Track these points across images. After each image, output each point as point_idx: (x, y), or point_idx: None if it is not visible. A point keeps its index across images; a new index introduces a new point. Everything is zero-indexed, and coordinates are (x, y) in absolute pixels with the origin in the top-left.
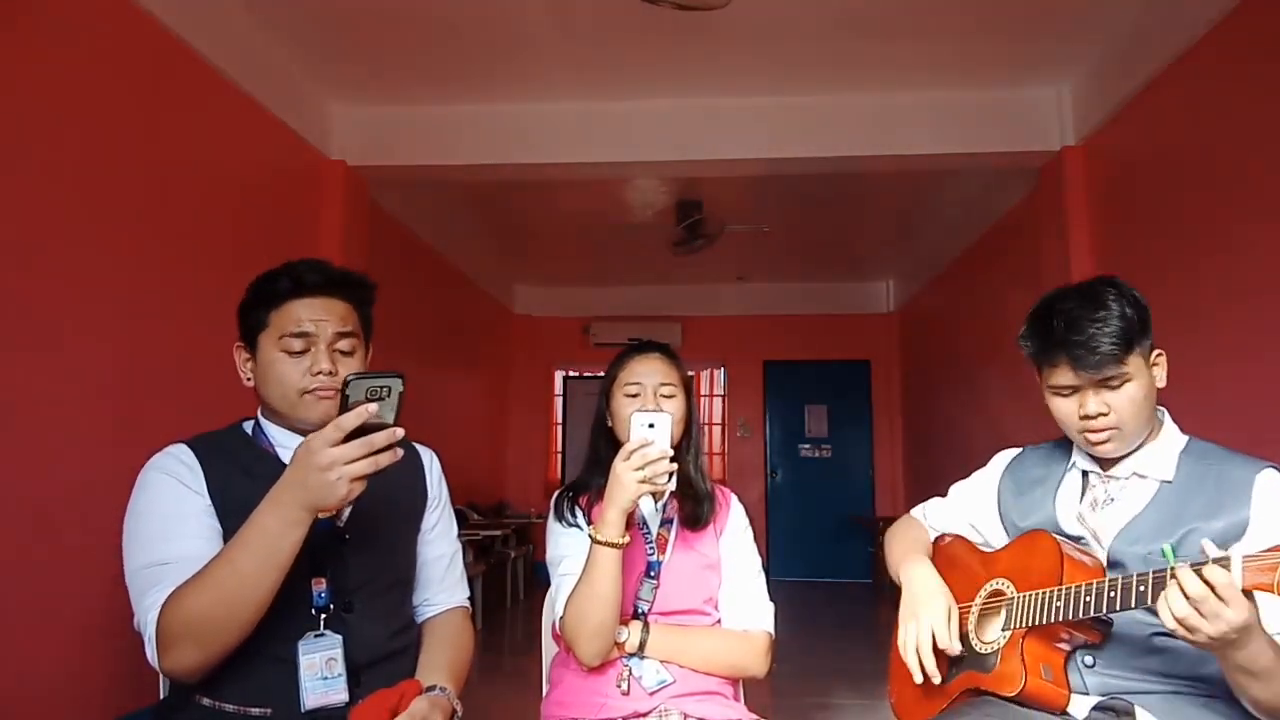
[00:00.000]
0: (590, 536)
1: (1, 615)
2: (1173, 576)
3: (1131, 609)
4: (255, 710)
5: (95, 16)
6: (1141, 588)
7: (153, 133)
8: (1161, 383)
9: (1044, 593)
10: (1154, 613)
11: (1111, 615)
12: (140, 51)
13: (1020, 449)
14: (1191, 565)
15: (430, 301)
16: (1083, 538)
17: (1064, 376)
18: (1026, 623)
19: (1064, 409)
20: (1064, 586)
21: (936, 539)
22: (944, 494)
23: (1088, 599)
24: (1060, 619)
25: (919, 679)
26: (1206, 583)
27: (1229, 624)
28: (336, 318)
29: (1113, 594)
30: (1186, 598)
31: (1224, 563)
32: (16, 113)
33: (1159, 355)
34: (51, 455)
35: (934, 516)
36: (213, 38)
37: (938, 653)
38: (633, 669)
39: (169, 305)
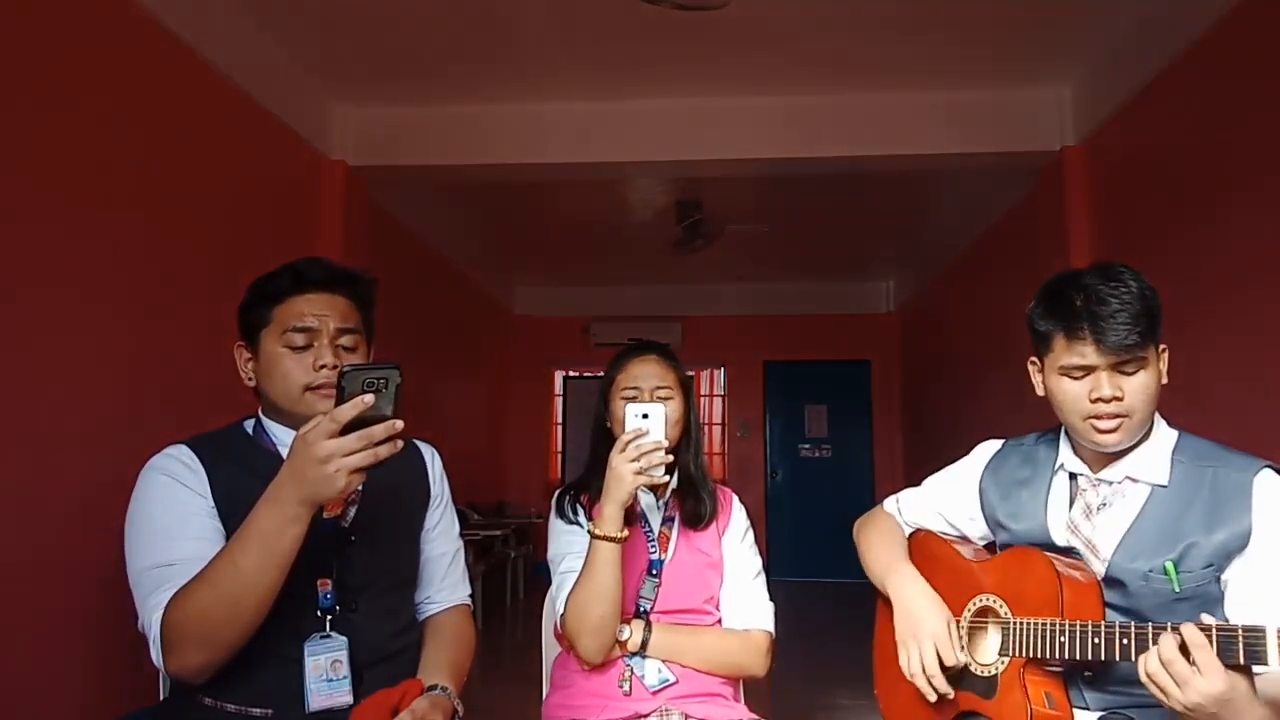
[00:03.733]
0: (589, 531)
1: (1, 615)
2: (1176, 631)
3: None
4: (256, 711)
5: (95, 16)
6: (1160, 634)
7: (153, 133)
8: (1164, 379)
9: (1047, 624)
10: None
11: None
12: (140, 51)
13: (1002, 442)
14: (1188, 626)
15: (430, 301)
16: (1073, 549)
17: (1082, 354)
18: (1026, 653)
19: (1072, 392)
20: (1067, 622)
21: (911, 534)
22: (918, 484)
23: (1096, 641)
24: (1064, 655)
25: (932, 698)
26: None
27: (1200, 694)
28: (339, 313)
29: (1125, 641)
30: (1160, 659)
31: (1209, 632)
32: (16, 113)
33: (1164, 350)
34: (51, 455)
35: (908, 509)
36: (213, 38)
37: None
38: (634, 668)
39: (169, 305)
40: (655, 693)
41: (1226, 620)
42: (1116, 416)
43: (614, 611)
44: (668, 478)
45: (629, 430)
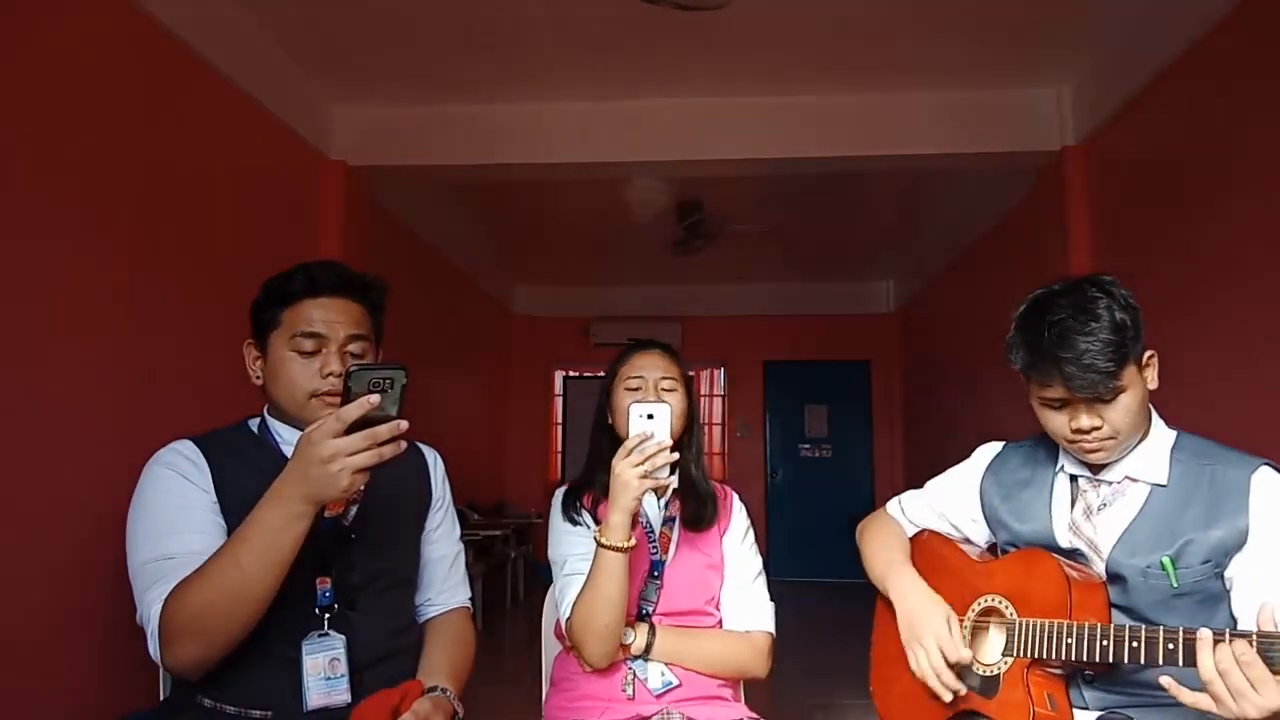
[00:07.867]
0: (596, 540)
1: (1, 615)
2: (1218, 640)
3: (1158, 665)
4: (256, 712)
5: (95, 16)
6: (1170, 646)
7: (152, 133)
8: (1153, 384)
9: (1053, 625)
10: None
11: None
12: (140, 51)
13: (1002, 444)
14: (1231, 632)
15: (430, 301)
16: (1078, 550)
17: (1056, 391)
18: (1032, 653)
19: (1054, 421)
20: (1075, 623)
21: (915, 535)
22: (920, 485)
23: (1105, 643)
24: (1071, 657)
25: (947, 698)
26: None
27: (1256, 708)
28: (350, 320)
29: (1135, 644)
30: (1217, 669)
31: (1270, 639)
32: (15, 113)
33: (1151, 357)
34: (51, 455)
35: (911, 511)
36: (212, 38)
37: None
38: (637, 672)
39: (169, 305)
40: (659, 696)
41: (1233, 620)
42: (1101, 441)
43: (620, 619)
44: (672, 478)
45: (633, 433)
